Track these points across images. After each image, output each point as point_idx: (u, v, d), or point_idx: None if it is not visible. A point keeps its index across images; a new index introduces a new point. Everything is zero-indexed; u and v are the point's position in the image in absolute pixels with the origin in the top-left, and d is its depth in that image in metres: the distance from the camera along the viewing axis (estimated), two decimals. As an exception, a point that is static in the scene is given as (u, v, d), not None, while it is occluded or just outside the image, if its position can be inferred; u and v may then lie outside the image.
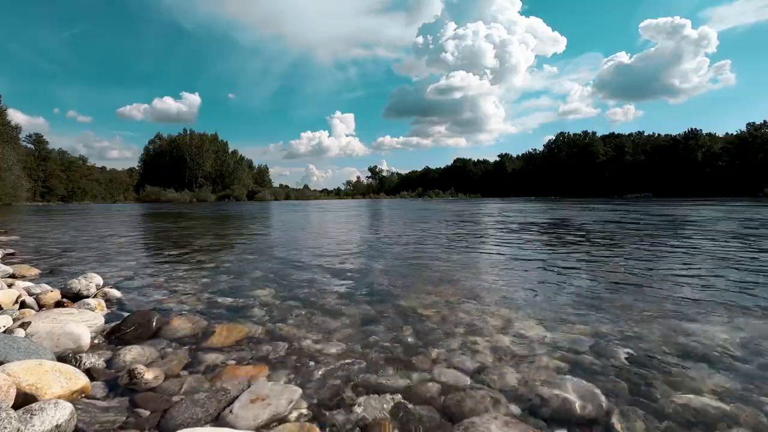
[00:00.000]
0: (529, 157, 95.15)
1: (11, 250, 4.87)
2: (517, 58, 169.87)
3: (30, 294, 2.47)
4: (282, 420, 1.24)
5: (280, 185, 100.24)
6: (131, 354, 1.68)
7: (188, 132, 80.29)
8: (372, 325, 2.13)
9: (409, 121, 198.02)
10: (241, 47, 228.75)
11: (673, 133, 68.97)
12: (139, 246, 6.01)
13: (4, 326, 1.80)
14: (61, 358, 1.60)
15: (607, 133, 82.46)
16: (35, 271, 3.53)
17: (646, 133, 76.42)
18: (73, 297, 2.49)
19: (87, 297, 2.50)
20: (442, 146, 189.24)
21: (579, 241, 5.90)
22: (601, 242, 5.79)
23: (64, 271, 3.65)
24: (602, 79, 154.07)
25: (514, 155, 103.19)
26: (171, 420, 1.22)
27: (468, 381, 1.49)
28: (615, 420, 1.23)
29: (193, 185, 76.21)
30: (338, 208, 23.08)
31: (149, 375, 1.48)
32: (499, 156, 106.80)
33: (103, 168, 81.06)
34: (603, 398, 1.34)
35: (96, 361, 1.62)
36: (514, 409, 1.30)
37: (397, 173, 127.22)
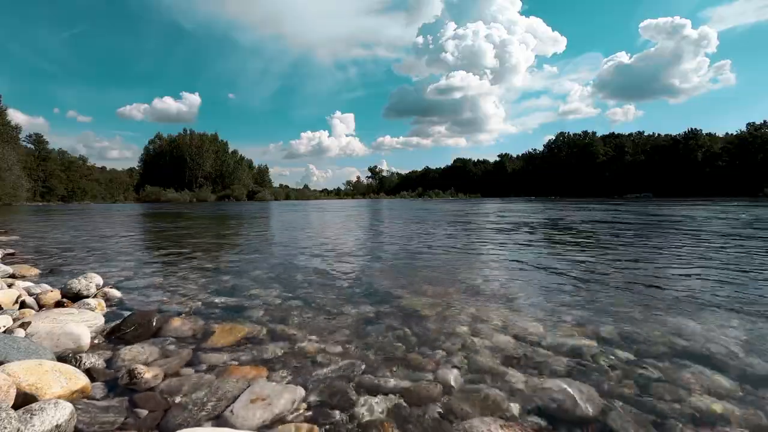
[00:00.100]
0: (529, 157, 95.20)
1: (11, 250, 4.87)
2: (517, 58, 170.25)
3: (30, 294, 2.47)
4: (282, 420, 1.24)
5: (280, 185, 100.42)
6: (131, 354, 1.68)
7: (188, 132, 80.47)
8: (372, 325, 2.13)
9: (409, 121, 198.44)
10: (241, 47, 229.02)
11: (673, 133, 69.21)
12: (139, 246, 6.01)
13: (4, 326, 1.80)
14: (61, 358, 1.60)
15: (607, 133, 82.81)
16: (35, 271, 3.53)
17: (646, 133, 76.61)
18: (73, 297, 2.49)
19: (87, 297, 2.49)
20: (442, 146, 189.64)
21: (579, 241, 5.90)
22: (601, 242, 5.79)
23: (64, 271, 3.65)
24: (602, 79, 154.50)
25: (514, 155, 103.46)
26: (171, 420, 1.22)
27: (468, 381, 1.49)
28: (614, 420, 1.23)
29: (193, 185, 76.23)
30: (338, 208, 23.08)
31: (149, 375, 1.48)
32: (499, 156, 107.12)
33: (103, 168, 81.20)
34: (603, 398, 1.35)
35: (96, 361, 1.62)
36: (515, 409, 1.30)
37: (397, 173, 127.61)
